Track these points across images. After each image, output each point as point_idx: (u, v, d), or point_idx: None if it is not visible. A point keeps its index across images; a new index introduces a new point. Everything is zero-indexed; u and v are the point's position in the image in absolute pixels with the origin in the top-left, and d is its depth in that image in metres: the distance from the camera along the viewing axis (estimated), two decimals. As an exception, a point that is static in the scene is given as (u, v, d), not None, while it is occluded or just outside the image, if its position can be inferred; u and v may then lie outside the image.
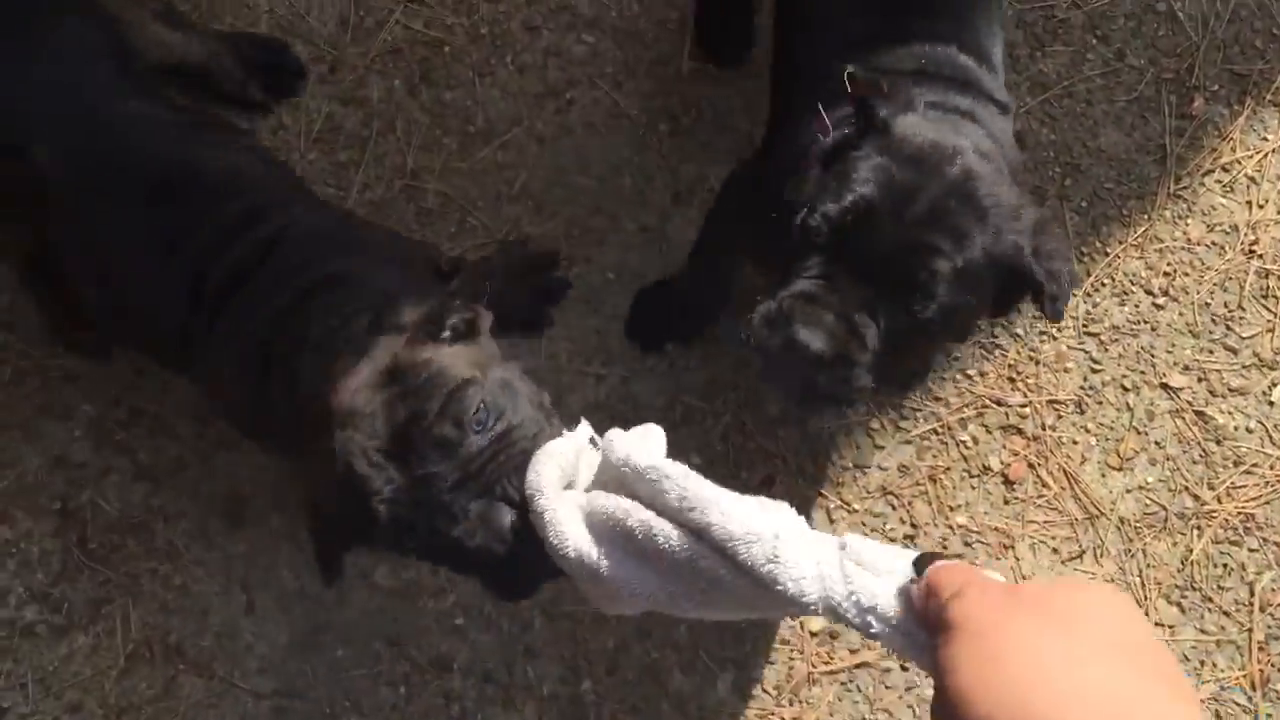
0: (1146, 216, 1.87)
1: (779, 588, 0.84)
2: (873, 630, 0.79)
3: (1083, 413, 1.81)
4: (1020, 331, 1.84)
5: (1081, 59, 1.93)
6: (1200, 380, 1.82)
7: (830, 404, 1.22)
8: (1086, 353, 1.83)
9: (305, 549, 1.77)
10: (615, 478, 0.97)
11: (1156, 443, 1.80)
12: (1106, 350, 1.83)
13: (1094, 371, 1.83)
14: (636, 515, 0.92)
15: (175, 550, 1.77)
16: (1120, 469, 1.79)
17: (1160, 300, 1.85)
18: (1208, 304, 1.84)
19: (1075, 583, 0.66)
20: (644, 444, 0.97)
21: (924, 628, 0.72)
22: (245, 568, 1.77)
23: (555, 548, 0.98)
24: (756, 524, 0.87)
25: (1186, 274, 1.85)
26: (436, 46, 1.94)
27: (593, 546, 0.95)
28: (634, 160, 1.91)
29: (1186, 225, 1.87)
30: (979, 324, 1.25)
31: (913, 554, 0.79)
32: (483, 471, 1.10)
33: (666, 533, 0.90)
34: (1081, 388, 1.82)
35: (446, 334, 1.20)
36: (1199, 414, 1.81)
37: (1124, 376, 1.82)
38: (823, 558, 0.84)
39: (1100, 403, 1.82)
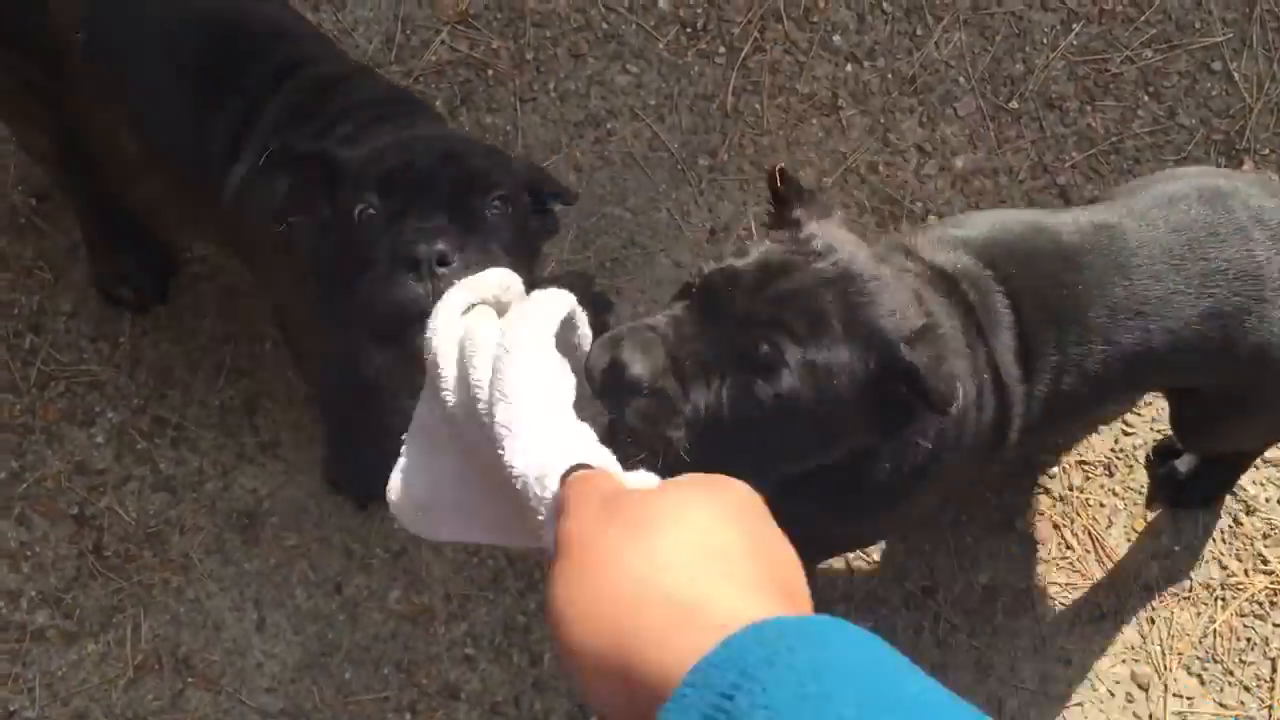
0: (1188, 279, 1.84)
1: (499, 450, 0.75)
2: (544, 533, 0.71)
3: (1111, 475, 1.79)
4: (1053, 389, 1.81)
5: (1132, 115, 1.90)
6: (1234, 449, 1.79)
7: (637, 440, 1.12)
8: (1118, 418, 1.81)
9: (319, 568, 1.77)
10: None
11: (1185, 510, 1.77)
12: (1139, 414, 1.80)
13: (1125, 434, 1.80)
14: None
15: (190, 563, 1.77)
16: (1148, 533, 1.77)
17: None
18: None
19: (680, 483, 0.63)
20: (546, 308, 0.85)
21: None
22: (259, 585, 1.76)
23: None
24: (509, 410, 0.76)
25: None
26: (480, 69, 1.93)
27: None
28: (671, 194, 1.89)
29: (1229, 291, 1.84)
30: (855, 437, 1.17)
31: (583, 449, 0.72)
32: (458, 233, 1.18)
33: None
34: (1112, 449, 1.79)
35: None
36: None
37: (1156, 441, 1.79)
38: (537, 449, 0.74)
39: (1130, 466, 1.79)
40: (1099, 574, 1.76)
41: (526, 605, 1.77)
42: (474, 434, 0.80)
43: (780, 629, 0.50)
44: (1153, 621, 1.74)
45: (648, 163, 1.90)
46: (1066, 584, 1.76)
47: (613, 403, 1.11)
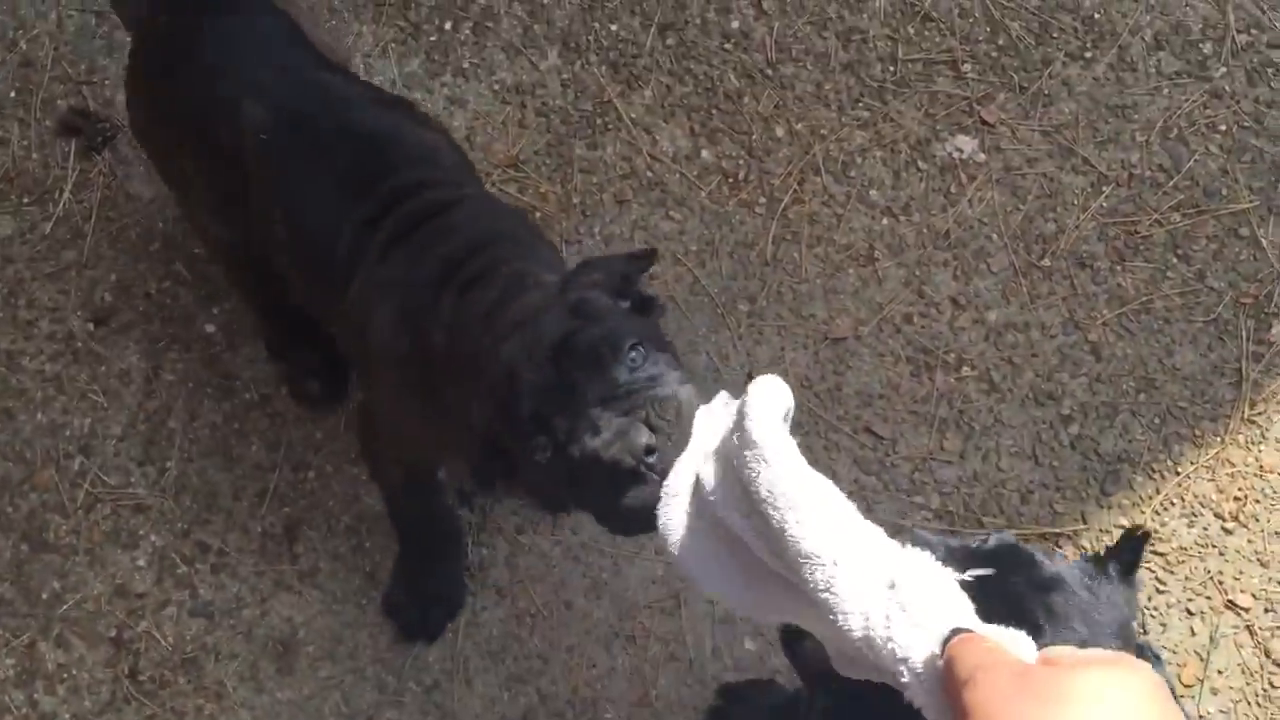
0: (1219, 439, 1.87)
1: (830, 616, 0.82)
2: (903, 680, 0.77)
3: (1145, 633, 1.79)
4: (1086, 544, 1.83)
5: (1162, 277, 1.95)
6: (1267, 610, 1.79)
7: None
8: (1152, 572, 1.82)
9: (351, 701, 1.77)
10: (721, 437, 0.98)
11: (1219, 671, 1.77)
12: (1172, 572, 1.82)
13: (1159, 592, 1.81)
14: (729, 514, 0.93)
15: (224, 690, 1.77)
16: (1182, 696, 1.76)
17: (1229, 525, 1.83)
18: (1278, 533, 1.83)
19: (1089, 661, 0.65)
20: (769, 405, 0.94)
21: (947, 700, 0.71)
22: (291, 715, 1.77)
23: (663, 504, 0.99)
24: (823, 544, 0.85)
25: (1258, 501, 1.84)
26: (529, 211, 2.00)
27: (681, 527, 0.98)
28: (711, 338, 1.94)
29: (1260, 451, 1.86)
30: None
31: (956, 613, 0.77)
32: (629, 396, 1.12)
33: (749, 539, 0.91)
34: (1145, 608, 1.80)
35: (626, 303, 1.27)
36: (1264, 646, 1.78)
37: (1190, 600, 1.80)
38: (872, 595, 0.81)
39: (1164, 625, 1.79)
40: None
41: (556, 745, 1.77)
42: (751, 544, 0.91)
43: None
44: (1187, 784, 1.73)
45: (688, 306, 1.95)
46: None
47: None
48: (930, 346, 1.93)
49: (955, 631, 0.74)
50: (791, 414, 0.95)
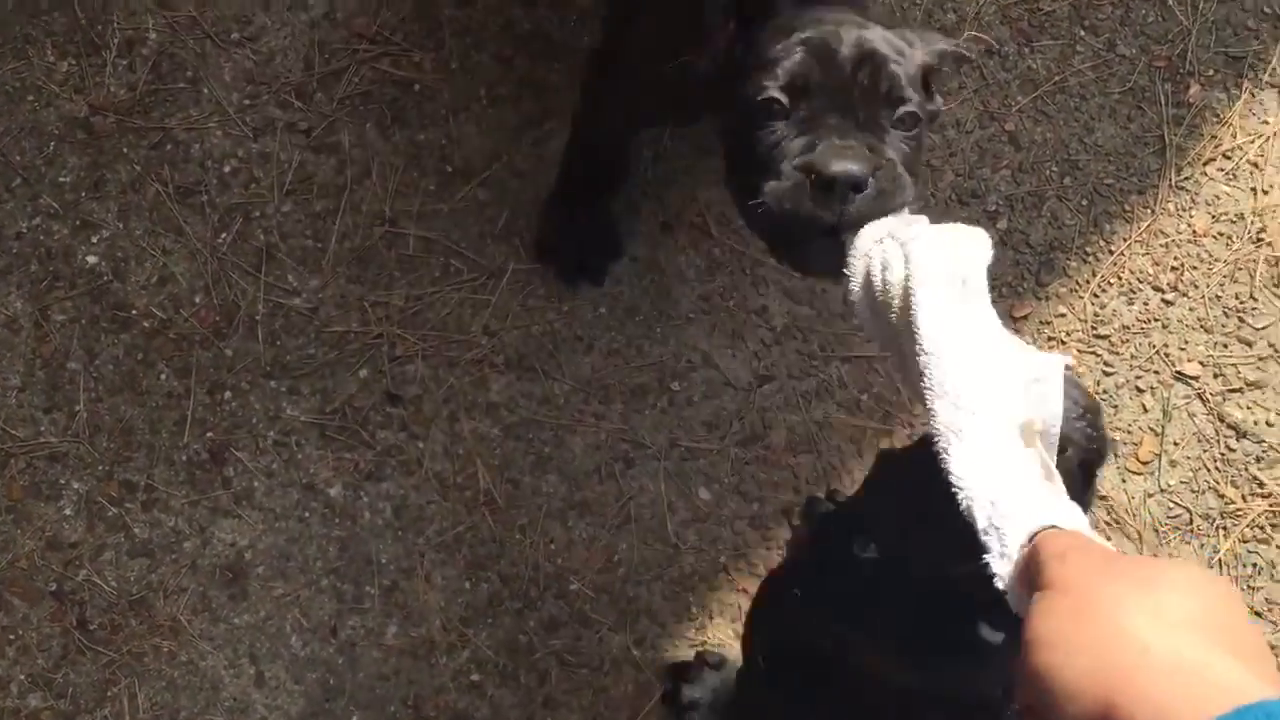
0: (1149, 211, 1.83)
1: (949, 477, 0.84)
2: (994, 563, 0.78)
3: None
4: (1029, 338, 1.79)
5: (1071, 52, 1.88)
6: (1216, 376, 1.77)
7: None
8: (1098, 356, 1.79)
9: (310, 614, 1.73)
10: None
11: (1175, 443, 1.76)
12: (1118, 353, 1.79)
13: (1107, 374, 1.78)
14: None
15: (179, 625, 1.73)
16: (1140, 473, 1.75)
17: (1169, 296, 1.80)
18: (1218, 297, 1.80)
19: (1175, 560, 0.71)
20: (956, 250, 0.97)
21: (1024, 586, 0.74)
22: (252, 639, 1.73)
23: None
24: (954, 409, 0.87)
25: (1195, 267, 1.81)
26: (406, 86, 1.88)
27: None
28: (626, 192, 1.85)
29: (1191, 217, 1.82)
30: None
31: (1046, 516, 0.78)
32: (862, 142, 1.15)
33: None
34: (1095, 392, 1.77)
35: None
36: (1217, 411, 1.76)
37: (1138, 378, 1.78)
38: (990, 476, 0.83)
39: (1116, 406, 1.77)
40: (1099, 519, 1.75)
41: (526, 624, 1.74)
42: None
43: None
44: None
45: (591, 159, 1.86)
46: (1064, 531, 1.74)
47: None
48: (846, 162, 1.86)
49: (1048, 527, 0.76)
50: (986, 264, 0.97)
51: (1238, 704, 0.54)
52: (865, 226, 1.09)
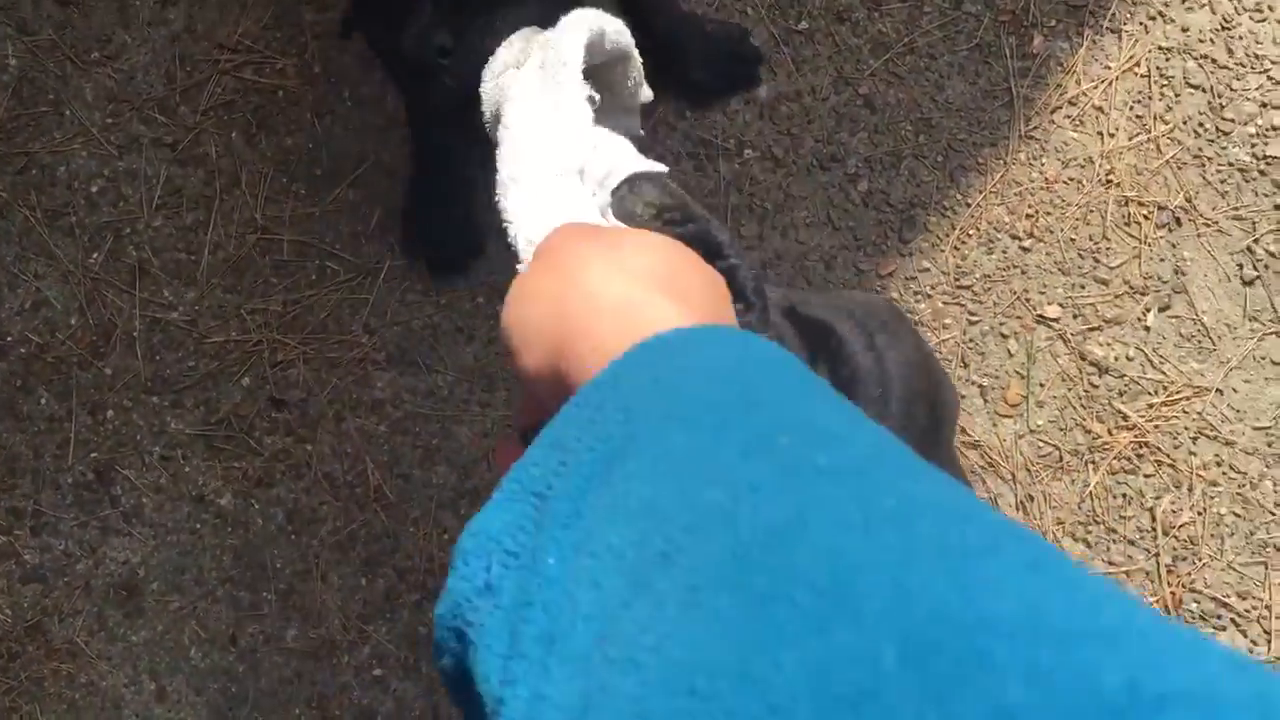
0: (1002, 162, 1.88)
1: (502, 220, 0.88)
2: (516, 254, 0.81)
3: (966, 366, 1.82)
4: (896, 294, 1.84)
5: (919, 14, 1.92)
6: (1075, 316, 1.83)
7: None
8: (962, 306, 1.83)
9: (208, 625, 1.74)
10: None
11: (1041, 384, 1.81)
12: (981, 302, 1.84)
13: (971, 324, 1.83)
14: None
15: (76, 648, 1.73)
16: (1009, 416, 1.80)
17: (1026, 243, 1.85)
18: (1073, 240, 1.85)
19: (647, 230, 0.73)
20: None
21: None
22: (151, 655, 1.73)
23: None
24: (514, 162, 0.89)
25: (1049, 213, 1.86)
26: (270, 93, 1.89)
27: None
28: (485, 178, 1.88)
29: (1042, 165, 1.87)
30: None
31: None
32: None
33: None
34: (961, 342, 1.82)
35: None
36: (1078, 350, 1.82)
37: (1001, 324, 1.83)
38: (537, 210, 0.85)
39: (982, 354, 1.82)
40: (972, 464, 1.80)
41: (425, 615, 1.76)
42: None
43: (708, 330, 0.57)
44: (1031, 499, 1.78)
45: (458, 153, 1.88)
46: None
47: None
48: (707, 138, 1.89)
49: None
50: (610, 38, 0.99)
51: (656, 331, 0.57)
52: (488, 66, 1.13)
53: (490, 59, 1.14)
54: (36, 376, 1.80)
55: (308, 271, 1.85)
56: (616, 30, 1.07)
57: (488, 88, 1.11)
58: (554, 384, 0.62)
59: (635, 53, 1.07)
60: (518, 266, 0.80)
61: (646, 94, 1.08)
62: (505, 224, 0.87)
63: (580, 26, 1.01)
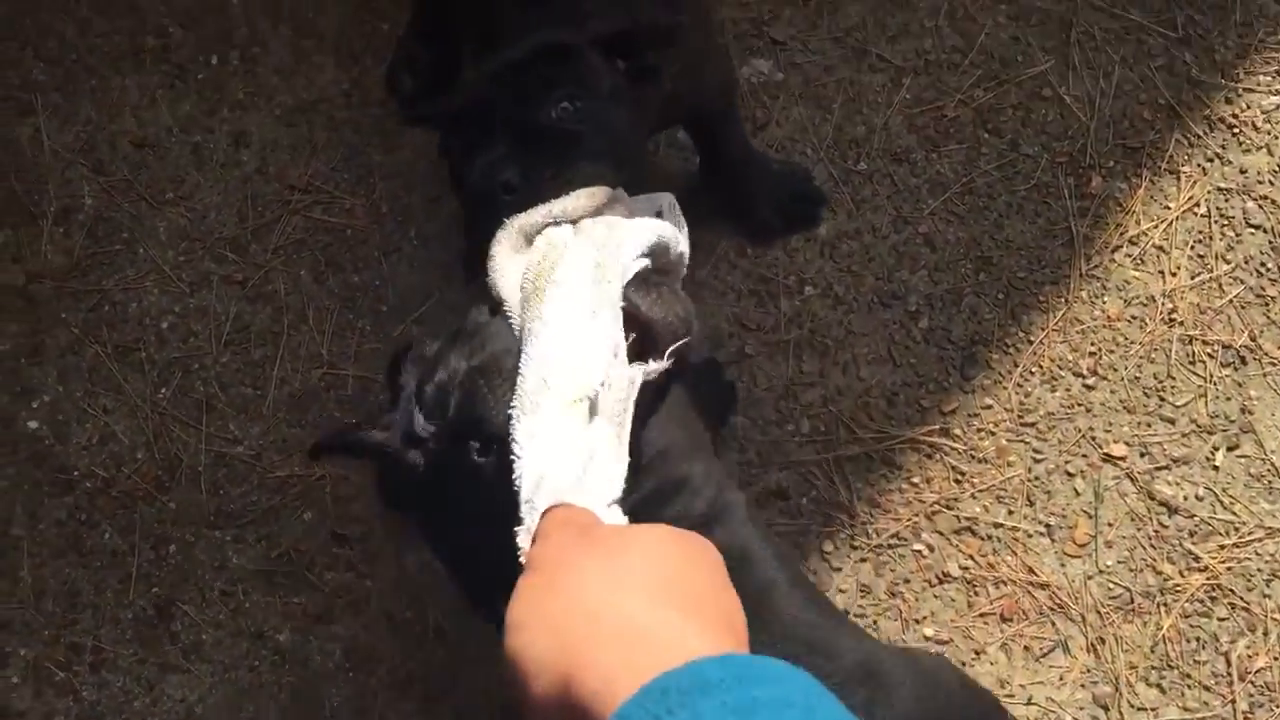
0: (1064, 300, 1.88)
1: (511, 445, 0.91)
2: (520, 538, 0.82)
3: (1032, 504, 1.80)
4: (959, 431, 1.83)
5: (977, 154, 1.95)
6: (1143, 455, 1.81)
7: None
8: (1026, 444, 1.82)
9: (266, 766, 1.72)
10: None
11: (1109, 524, 1.78)
12: (1045, 439, 1.82)
13: (1037, 461, 1.82)
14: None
15: (131, 788, 1.71)
16: (1078, 556, 1.77)
17: (1090, 381, 1.84)
18: (1137, 378, 1.84)
19: (650, 526, 0.68)
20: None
21: None
22: (206, 796, 1.71)
23: None
24: (539, 382, 0.92)
25: (1112, 351, 1.86)
26: (338, 232, 1.93)
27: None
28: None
29: (1104, 303, 1.88)
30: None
31: (566, 494, 0.81)
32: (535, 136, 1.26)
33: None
34: (1027, 480, 1.80)
35: (623, 65, 1.32)
36: (1147, 489, 1.80)
37: (1067, 462, 1.81)
38: (546, 452, 0.88)
39: (1048, 492, 1.80)
40: (1041, 606, 1.76)
41: (484, 758, 1.73)
42: None
43: (726, 665, 0.53)
44: (1102, 641, 1.74)
45: (521, 290, 1.91)
46: (1011, 623, 1.75)
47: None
48: (769, 275, 1.91)
49: (556, 507, 0.78)
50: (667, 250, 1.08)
51: (670, 665, 0.53)
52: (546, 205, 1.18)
53: (552, 201, 1.17)
54: (101, 511, 1.81)
55: (371, 407, 1.86)
56: (678, 241, 1.10)
57: (530, 224, 1.15)
58: (562, 716, 0.58)
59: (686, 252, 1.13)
60: (518, 536, 0.81)
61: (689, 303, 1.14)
62: (513, 455, 0.89)
63: (645, 239, 1.04)
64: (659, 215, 1.20)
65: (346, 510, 1.81)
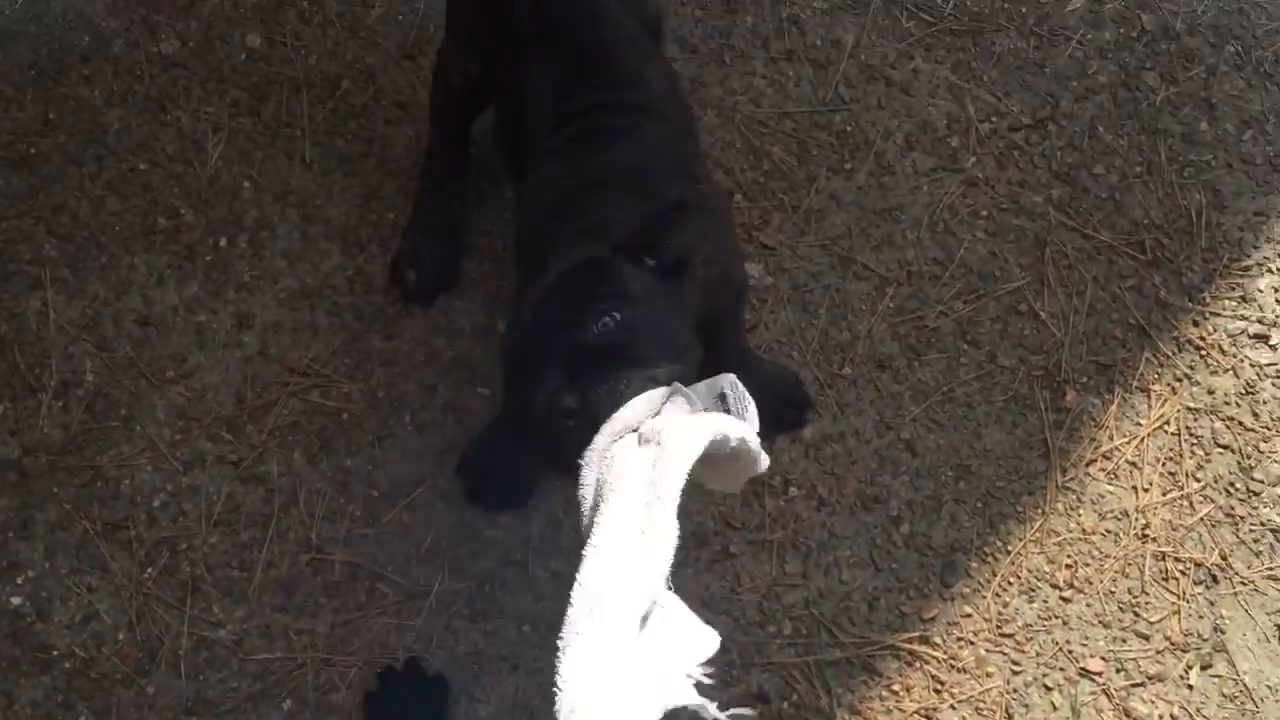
0: (1040, 511, 1.93)
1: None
2: None
3: (1011, 717, 1.82)
4: (939, 639, 1.85)
5: (956, 364, 2.03)
6: (1119, 671, 1.84)
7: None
8: (1005, 654, 1.85)
9: None
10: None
11: (1087, 739, 1.80)
12: (1024, 650, 1.85)
13: (1015, 673, 1.84)
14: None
15: None
16: (1057, 774, 1.79)
17: (1067, 593, 1.88)
18: (1112, 592, 1.89)
19: None
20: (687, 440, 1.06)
21: None
22: None
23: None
24: (587, 611, 0.95)
25: (1088, 564, 1.90)
26: (334, 415, 1.97)
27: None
28: (540, 504, 1.93)
29: (1080, 516, 1.93)
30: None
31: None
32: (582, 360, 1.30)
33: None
34: (1005, 692, 1.82)
35: (652, 262, 1.38)
36: (1123, 706, 1.82)
37: (1045, 675, 1.84)
38: (585, 685, 0.89)
39: (1026, 705, 1.82)
40: (1020, 817, 1.77)
41: None
42: None
43: None
44: None
45: (512, 480, 1.94)
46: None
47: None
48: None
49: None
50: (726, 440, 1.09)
51: None
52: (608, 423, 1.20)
53: (612, 418, 1.20)
54: (78, 693, 1.79)
55: (357, 593, 1.87)
56: (738, 429, 1.13)
57: (598, 448, 1.18)
58: None
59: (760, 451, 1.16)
60: None
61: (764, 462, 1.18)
62: (556, 689, 0.92)
63: (699, 445, 1.08)
64: (721, 397, 1.22)
65: (326, 700, 1.81)
